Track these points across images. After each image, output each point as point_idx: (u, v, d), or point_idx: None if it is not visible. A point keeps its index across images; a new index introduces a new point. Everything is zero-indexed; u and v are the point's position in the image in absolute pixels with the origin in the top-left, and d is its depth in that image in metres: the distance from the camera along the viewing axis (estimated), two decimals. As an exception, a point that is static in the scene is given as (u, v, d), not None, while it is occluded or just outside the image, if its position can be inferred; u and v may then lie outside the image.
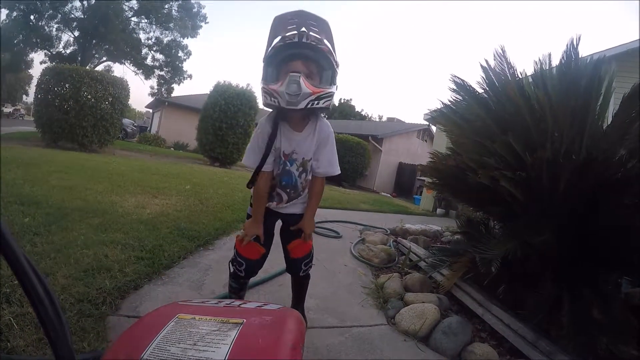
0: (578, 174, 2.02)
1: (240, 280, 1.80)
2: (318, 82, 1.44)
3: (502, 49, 2.60)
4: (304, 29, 1.42)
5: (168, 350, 0.63)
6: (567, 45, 2.25)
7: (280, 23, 1.44)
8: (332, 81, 1.46)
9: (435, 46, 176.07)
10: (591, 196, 2.10)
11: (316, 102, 1.41)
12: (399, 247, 3.79)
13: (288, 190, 1.68)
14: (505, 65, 2.59)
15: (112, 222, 3.00)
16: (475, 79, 2.80)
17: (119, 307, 1.84)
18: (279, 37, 1.44)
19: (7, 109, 29.15)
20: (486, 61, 2.66)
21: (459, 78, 2.85)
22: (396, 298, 2.49)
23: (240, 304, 0.87)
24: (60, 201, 3.37)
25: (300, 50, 1.42)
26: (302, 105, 1.38)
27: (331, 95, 1.46)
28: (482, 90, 2.76)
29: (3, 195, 3.22)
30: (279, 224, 1.84)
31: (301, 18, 1.42)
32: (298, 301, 1.96)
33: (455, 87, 2.87)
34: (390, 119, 32.16)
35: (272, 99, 1.41)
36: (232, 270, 1.79)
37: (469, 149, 2.59)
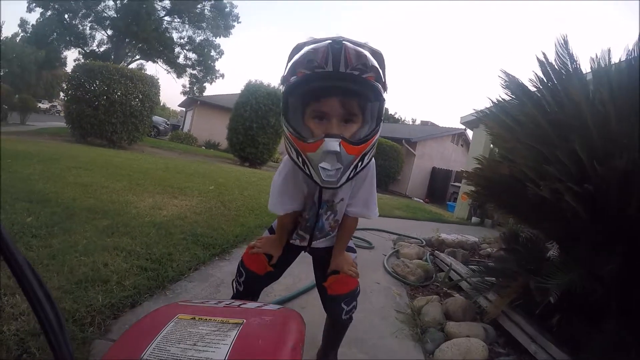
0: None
1: (241, 297, 1.43)
2: (360, 123, 1.04)
3: (564, 39, 2.20)
4: (341, 37, 0.96)
5: (168, 351, 0.62)
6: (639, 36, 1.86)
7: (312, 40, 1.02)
8: (379, 116, 1.03)
9: (471, 50, 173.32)
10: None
11: (360, 163, 1.02)
12: (437, 261, 3.41)
13: (313, 231, 1.36)
14: (568, 59, 2.19)
15: (121, 224, 2.76)
16: (526, 77, 2.42)
17: (109, 329, 1.57)
18: (305, 51, 0.97)
19: (45, 105, 30.16)
20: (544, 54, 2.26)
21: (510, 74, 2.48)
22: (436, 328, 2.13)
23: (240, 304, 0.85)
24: (70, 199, 3.17)
25: (338, 84, 0.97)
26: (342, 181, 1.01)
27: (377, 140, 1.05)
28: (535, 89, 2.37)
29: (12, 191, 3.04)
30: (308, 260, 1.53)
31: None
32: (330, 346, 1.57)
33: (506, 84, 2.49)
34: (424, 123, 31.63)
35: (300, 161, 1.02)
36: (234, 285, 1.44)
37: (523, 155, 2.22)
